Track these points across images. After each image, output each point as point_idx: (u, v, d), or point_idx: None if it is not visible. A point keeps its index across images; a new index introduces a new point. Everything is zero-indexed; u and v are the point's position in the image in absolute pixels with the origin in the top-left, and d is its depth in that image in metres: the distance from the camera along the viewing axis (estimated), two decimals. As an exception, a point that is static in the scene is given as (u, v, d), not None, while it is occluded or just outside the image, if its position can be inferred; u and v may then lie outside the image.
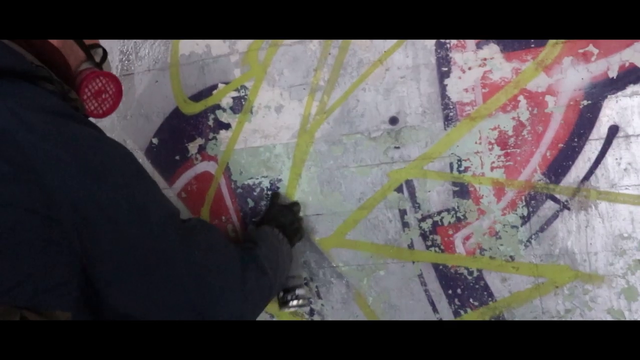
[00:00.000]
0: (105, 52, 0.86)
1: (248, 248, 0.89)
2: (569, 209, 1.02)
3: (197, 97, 1.21)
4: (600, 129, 0.99)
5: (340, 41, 1.11)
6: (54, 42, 0.73)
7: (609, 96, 0.98)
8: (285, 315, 1.21)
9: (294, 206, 1.13)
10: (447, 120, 1.07)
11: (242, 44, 1.18)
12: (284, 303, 1.09)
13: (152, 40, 1.24)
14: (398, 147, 1.10)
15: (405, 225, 1.11)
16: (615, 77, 0.98)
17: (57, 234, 0.54)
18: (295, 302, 1.09)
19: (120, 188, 0.61)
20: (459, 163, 1.07)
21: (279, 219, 1.07)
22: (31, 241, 0.52)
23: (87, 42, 0.81)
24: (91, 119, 0.75)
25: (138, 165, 0.69)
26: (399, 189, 1.11)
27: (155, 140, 1.24)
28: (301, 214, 1.17)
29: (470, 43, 1.05)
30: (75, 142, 0.59)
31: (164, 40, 1.24)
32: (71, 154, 0.57)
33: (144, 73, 1.25)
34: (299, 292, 1.09)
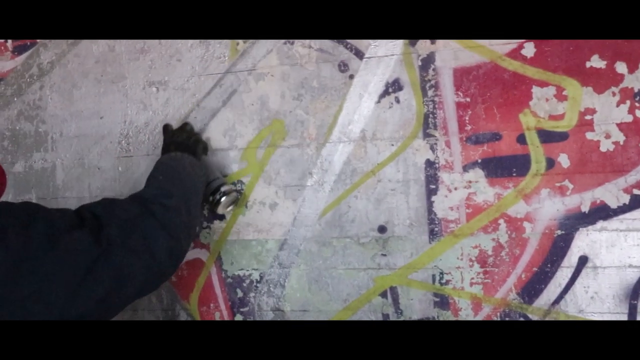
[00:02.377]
0: None
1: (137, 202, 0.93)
2: (539, 328, 1.10)
3: (194, 186, 1.25)
4: (571, 258, 1.07)
5: (335, 148, 1.17)
6: None
7: (580, 229, 1.07)
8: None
9: (185, 125, 1.22)
10: (432, 234, 1.14)
11: (242, 141, 1.22)
12: (216, 204, 1.16)
13: (152, 126, 1.28)
14: (385, 255, 1.16)
15: (387, 329, 1.17)
16: (587, 212, 1.06)
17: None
18: (225, 199, 1.16)
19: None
20: (441, 276, 1.13)
21: (175, 139, 1.17)
22: None
23: None
24: None
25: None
26: (384, 294, 1.16)
27: (149, 225, 1.27)
28: (288, 307, 1.21)
29: (457, 165, 1.12)
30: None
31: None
32: None
33: (143, 157, 1.28)
34: (224, 188, 1.16)
